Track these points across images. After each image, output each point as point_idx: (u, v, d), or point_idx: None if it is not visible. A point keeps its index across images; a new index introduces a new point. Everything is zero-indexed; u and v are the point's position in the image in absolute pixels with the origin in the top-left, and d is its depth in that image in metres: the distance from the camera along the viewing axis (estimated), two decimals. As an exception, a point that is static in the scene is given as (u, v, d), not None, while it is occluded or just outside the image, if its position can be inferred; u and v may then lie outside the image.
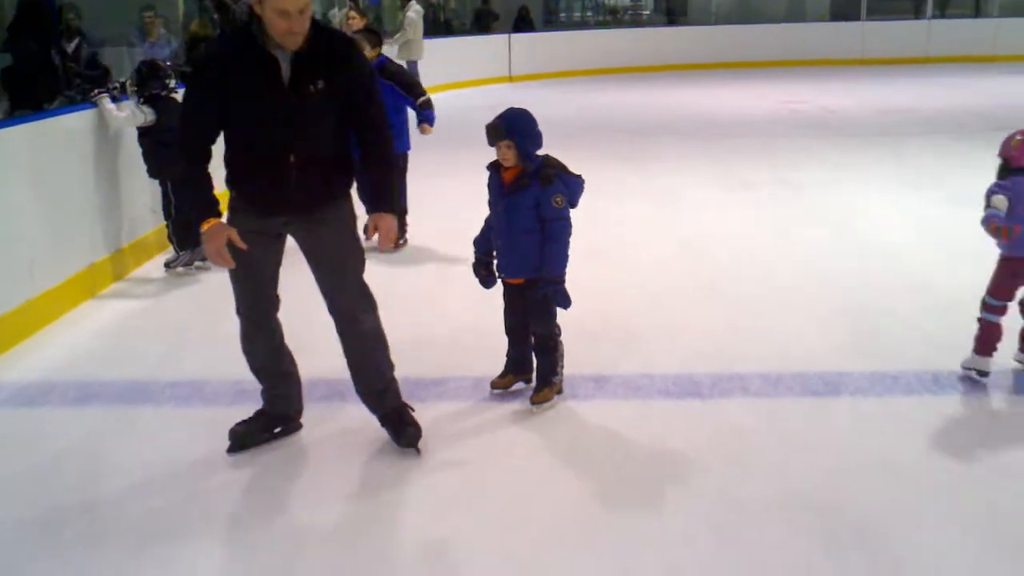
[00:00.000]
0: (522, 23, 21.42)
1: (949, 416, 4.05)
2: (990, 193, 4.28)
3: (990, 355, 4.40)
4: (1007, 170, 4.34)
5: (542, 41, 21.09)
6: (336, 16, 14.67)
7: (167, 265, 6.34)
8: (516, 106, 4.07)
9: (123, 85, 6.24)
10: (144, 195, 6.57)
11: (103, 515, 3.42)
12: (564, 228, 3.97)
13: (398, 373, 3.92)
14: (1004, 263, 4.36)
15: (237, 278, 3.75)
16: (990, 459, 3.67)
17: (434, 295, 5.82)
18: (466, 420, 4.08)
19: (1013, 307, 4.40)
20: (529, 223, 3.96)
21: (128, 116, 6.01)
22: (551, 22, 25.49)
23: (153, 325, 5.50)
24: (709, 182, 9.11)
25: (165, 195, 6.25)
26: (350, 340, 3.85)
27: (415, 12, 15.51)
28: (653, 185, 9.06)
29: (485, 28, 21.03)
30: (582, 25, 26.26)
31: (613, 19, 26.99)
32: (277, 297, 3.89)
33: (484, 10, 21.60)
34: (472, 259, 4.23)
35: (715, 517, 3.30)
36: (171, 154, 6.18)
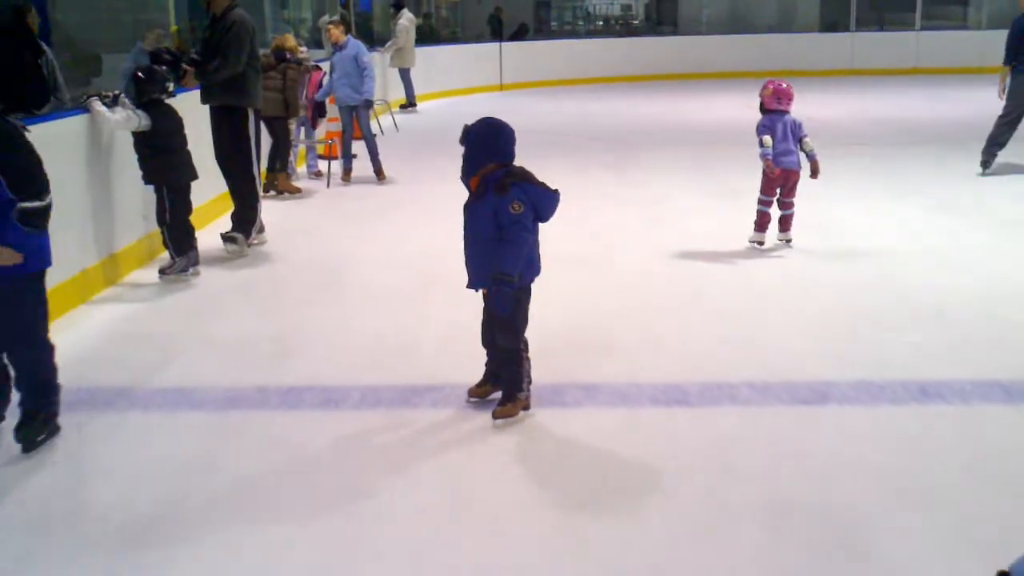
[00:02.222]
0: (515, 33, 21.70)
1: (935, 425, 4.08)
2: (759, 133, 6.63)
3: (764, 231, 6.86)
4: (763, 110, 6.71)
5: (533, 50, 21.18)
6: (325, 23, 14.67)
7: (162, 271, 6.35)
8: (495, 117, 4.09)
9: (116, 97, 6.20)
10: (137, 201, 6.58)
11: (90, 520, 3.42)
12: (519, 232, 3.92)
13: (385, 380, 3.91)
14: (766, 174, 6.73)
15: None
16: (976, 468, 3.70)
17: (421, 300, 5.84)
18: (454, 427, 4.10)
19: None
20: (487, 232, 3.96)
21: (122, 119, 6.00)
22: (542, 31, 25.59)
23: (144, 331, 5.51)
24: (695, 190, 9.17)
25: (160, 201, 6.24)
26: None
27: (407, 20, 15.56)
28: (639, 193, 9.11)
29: (498, 35, 21.27)
30: (573, 34, 26.35)
31: (604, 28, 27.11)
32: None
33: (496, 16, 21.84)
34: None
35: (701, 521, 3.33)
36: (165, 161, 6.21)
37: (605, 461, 3.79)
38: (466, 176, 4.03)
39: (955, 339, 5.05)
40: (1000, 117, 9.47)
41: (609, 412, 4.27)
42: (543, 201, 3.97)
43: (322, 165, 10.23)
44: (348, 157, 10.01)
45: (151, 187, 6.26)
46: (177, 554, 3.20)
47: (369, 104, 10.00)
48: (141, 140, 6.15)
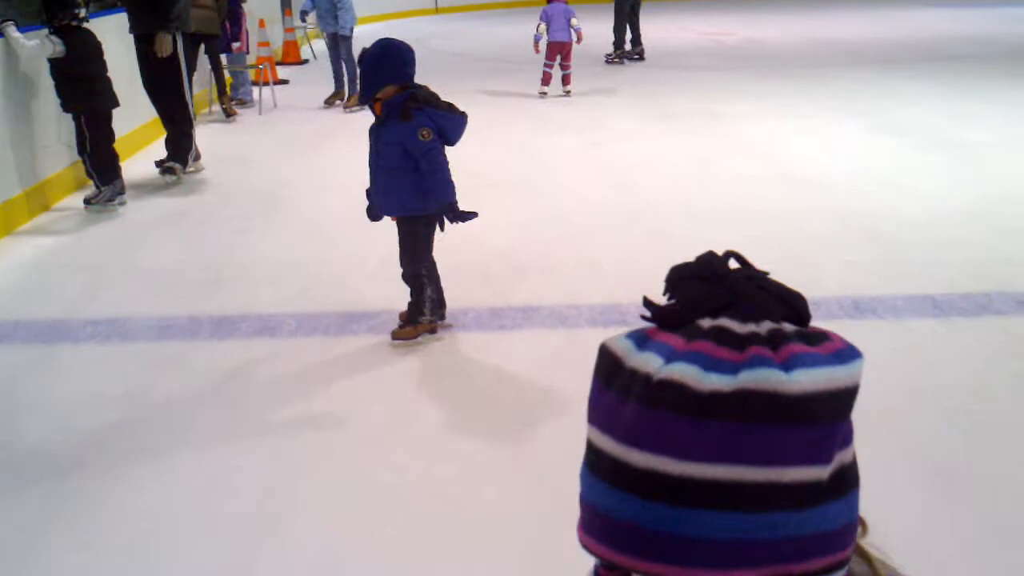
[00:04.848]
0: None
1: (868, 340, 4.13)
2: (540, 20, 9.65)
3: (547, 85, 9.85)
4: (548, 1, 9.71)
5: (469, -28, 20.78)
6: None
7: (87, 201, 6.17)
8: (392, 38, 3.97)
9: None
10: (60, 128, 6.36)
11: (21, 455, 3.35)
12: (436, 158, 3.86)
13: (321, 307, 3.85)
14: (549, 45, 9.75)
15: None
16: (908, 380, 3.77)
17: (356, 227, 5.74)
18: (391, 352, 4.07)
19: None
20: (393, 160, 3.87)
21: (36, 45, 5.78)
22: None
23: (71, 262, 5.37)
24: (633, 113, 9.12)
25: (79, 130, 6.04)
26: None
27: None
28: (576, 116, 9.03)
29: None
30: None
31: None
32: None
33: None
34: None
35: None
36: (83, 88, 5.99)
37: (544, 381, 3.80)
38: (364, 99, 3.95)
39: (889, 257, 5.12)
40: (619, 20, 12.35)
41: (548, 333, 4.27)
42: (450, 125, 3.90)
43: (255, 92, 10.00)
44: (339, 80, 9.86)
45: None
46: (115, 485, 3.15)
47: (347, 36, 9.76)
48: (57, 67, 5.92)
